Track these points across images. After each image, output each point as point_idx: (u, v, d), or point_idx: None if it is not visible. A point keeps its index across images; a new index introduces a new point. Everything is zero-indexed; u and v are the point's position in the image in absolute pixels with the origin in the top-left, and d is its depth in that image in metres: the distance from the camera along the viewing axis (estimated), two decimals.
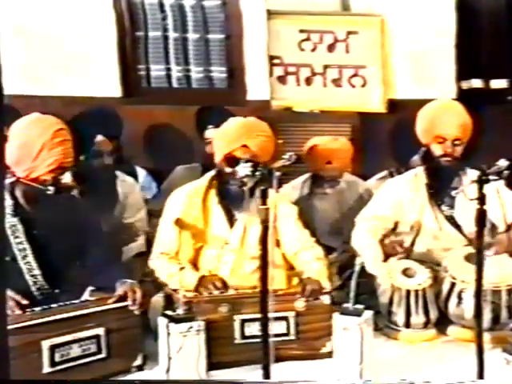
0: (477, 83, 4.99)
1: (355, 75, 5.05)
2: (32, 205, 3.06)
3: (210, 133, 4.20)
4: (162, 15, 5.09)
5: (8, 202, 2.97)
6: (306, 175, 4.11)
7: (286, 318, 3.04)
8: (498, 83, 4.98)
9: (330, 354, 3.01)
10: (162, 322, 2.85)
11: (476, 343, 2.69)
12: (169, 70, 5.17)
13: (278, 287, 3.12)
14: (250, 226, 3.28)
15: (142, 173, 4.50)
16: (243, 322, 3.01)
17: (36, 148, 2.95)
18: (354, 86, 5.06)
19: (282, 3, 5.03)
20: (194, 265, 3.35)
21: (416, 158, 4.13)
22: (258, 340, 2.66)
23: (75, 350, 2.81)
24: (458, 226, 3.52)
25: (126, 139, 4.24)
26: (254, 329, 2.97)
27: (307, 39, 5.04)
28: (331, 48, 5.05)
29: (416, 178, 3.61)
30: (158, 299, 3.23)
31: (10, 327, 2.28)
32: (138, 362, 2.94)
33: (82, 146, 3.82)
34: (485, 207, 2.65)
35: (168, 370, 2.80)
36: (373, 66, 5.03)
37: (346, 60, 5.05)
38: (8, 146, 2.80)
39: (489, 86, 4.99)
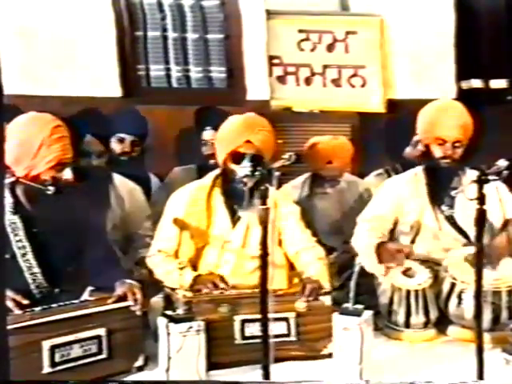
0: (476, 83, 5.00)
1: (355, 75, 5.05)
2: (32, 203, 3.05)
3: (208, 134, 4.19)
4: (161, 15, 5.09)
5: (8, 200, 2.97)
6: (306, 175, 4.11)
7: (286, 319, 3.04)
8: (498, 83, 4.99)
9: (330, 355, 3.00)
10: (161, 321, 2.85)
11: (476, 343, 2.69)
12: (168, 69, 5.17)
13: (279, 287, 3.13)
14: (253, 225, 3.27)
15: (154, 180, 4.32)
16: (243, 322, 3.01)
17: (35, 145, 2.95)
18: (353, 86, 5.06)
19: (281, 3, 5.03)
20: (195, 265, 3.34)
21: (409, 150, 4.16)
22: (258, 340, 2.65)
23: (76, 351, 2.80)
24: (457, 226, 3.52)
25: None
26: (254, 329, 2.97)
27: (306, 39, 5.05)
28: (330, 48, 5.05)
29: (416, 177, 3.61)
30: (157, 300, 3.23)
31: (9, 327, 2.29)
32: (140, 362, 2.94)
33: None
34: (484, 207, 2.65)
35: (168, 370, 2.80)
36: (372, 66, 5.03)
37: (345, 60, 5.05)
38: (6, 146, 2.80)
39: (488, 86, 4.99)
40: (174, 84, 5.19)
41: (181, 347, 2.79)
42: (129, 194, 3.80)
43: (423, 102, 3.70)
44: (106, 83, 4.98)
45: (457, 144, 3.52)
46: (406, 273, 3.29)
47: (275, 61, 5.04)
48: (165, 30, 5.12)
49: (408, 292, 3.26)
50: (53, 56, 4.90)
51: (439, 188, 3.57)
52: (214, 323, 2.95)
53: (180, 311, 2.90)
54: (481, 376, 2.64)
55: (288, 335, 3.04)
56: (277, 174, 2.67)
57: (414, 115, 3.68)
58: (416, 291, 3.26)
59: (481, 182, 2.65)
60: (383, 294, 3.35)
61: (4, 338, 1.98)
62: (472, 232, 3.12)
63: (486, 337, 2.88)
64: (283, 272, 3.36)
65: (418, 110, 3.65)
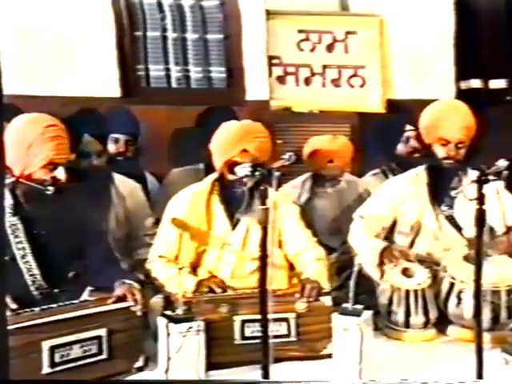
0: (476, 83, 5.00)
1: (354, 75, 5.06)
2: (32, 204, 3.05)
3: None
4: (160, 15, 5.09)
5: (8, 202, 2.97)
6: (306, 175, 4.11)
7: (286, 319, 3.04)
8: (497, 83, 4.99)
9: (330, 355, 3.00)
10: (161, 322, 2.85)
11: (475, 343, 2.69)
12: (168, 70, 5.17)
13: (279, 288, 3.13)
14: (253, 227, 3.27)
15: (151, 179, 4.32)
16: (243, 322, 3.01)
17: (26, 143, 2.95)
18: (353, 86, 5.07)
19: (280, 3, 5.04)
20: (195, 268, 3.34)
21: (400, 147, 4.17)
22: (258, 341, 2.65)
23: (76, 351, 2.80)
24: (457, 226, 3.52)
25: None
26: (254, 329, 2.97)
27: (306, 39, 5.05)
28: (330, 48, 5.06)
29: (417, 177, 3.60)
30: (157, 301, 3.23)
31: (10, 327, 2.29)
32: (140, 363, 2.93)
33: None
34: (484, 207, 2.65)
35: (167, 370, 2.79)
36: (372, 66, 5.04)
37: (345, 60, 5.06)
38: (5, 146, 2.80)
39: (488, 86, 5.00)
40: (174, 84, 5.20)
41: (180, 347, 2.79)
42: (130, 193, 3.80)
43: (423, 102, 3.70)
44: (105, 83, 4.98)
45: (460, 145, 3.51)
46: (405, 273, 3.30)
47: (275, 61, 5.05)
48: (164, 30, 5.12)
49: (407, 292, 3.26)
50: (52, 56, 4.91)
51: (440, 188, 3.57)
52: (213, 323, 2.94)
53: (180, 311, 2.89)
54: (480, 376, 2.64)
55: (288, 335, 3.04)
56: (277, 174, 2.66)
57: (413, 115, 3.69)
58: (415, 291, 3.25)
59: (481, 182, 2.65)
60: (383, 294, 3.34)
61: (4, 338, 1.98)
62: (472, 232, 3.11)
63: (486, 336, 2.87)
64: (283, 273, 3.35)
65: (418, 110, 3.65)
